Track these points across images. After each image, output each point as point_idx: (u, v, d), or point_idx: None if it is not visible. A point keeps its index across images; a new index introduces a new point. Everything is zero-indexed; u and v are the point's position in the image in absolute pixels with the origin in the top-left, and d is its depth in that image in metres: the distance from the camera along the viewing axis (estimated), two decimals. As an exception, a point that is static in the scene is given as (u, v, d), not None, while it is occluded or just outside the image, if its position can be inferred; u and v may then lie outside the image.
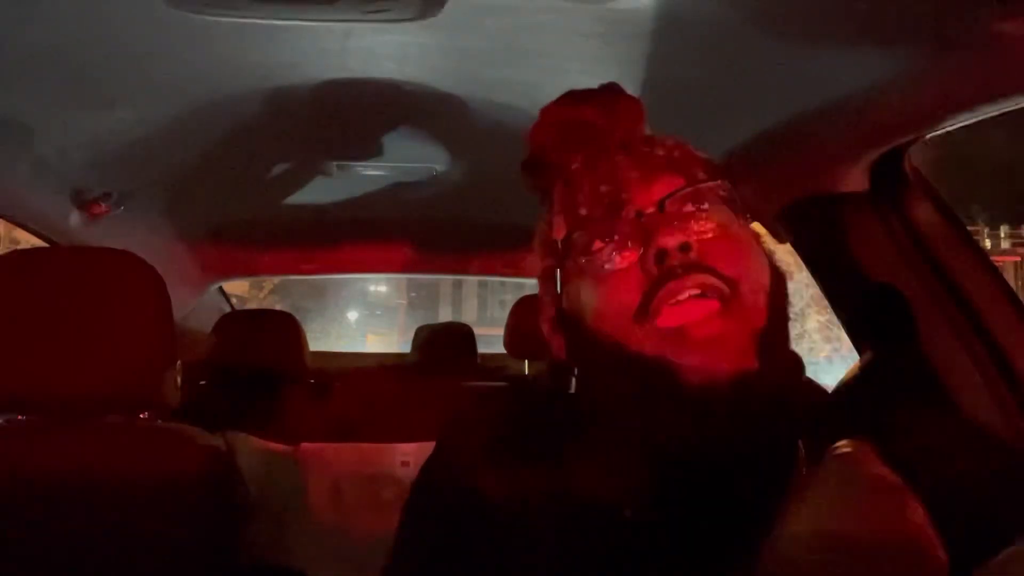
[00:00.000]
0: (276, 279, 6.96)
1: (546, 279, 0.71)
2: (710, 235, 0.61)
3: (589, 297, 0.64)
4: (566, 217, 0.67)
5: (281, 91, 1.27)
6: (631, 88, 0.76)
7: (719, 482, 0.58)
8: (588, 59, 1.11)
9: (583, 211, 0.66)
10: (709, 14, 0.93)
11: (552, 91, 0.75)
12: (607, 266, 0.63)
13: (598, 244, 0.64)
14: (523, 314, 2.51)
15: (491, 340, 3.30)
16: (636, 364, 0.60)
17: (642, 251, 0.61)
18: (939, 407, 1.02)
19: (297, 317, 2.58)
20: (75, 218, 1.74)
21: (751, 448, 0.58)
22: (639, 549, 0.58)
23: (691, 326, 0.58)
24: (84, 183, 1.68)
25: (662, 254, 0.60)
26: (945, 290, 1.11)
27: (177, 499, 1.06)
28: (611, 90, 0.75)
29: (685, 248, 0.60)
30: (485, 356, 3.09)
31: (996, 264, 1.19)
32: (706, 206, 0.63)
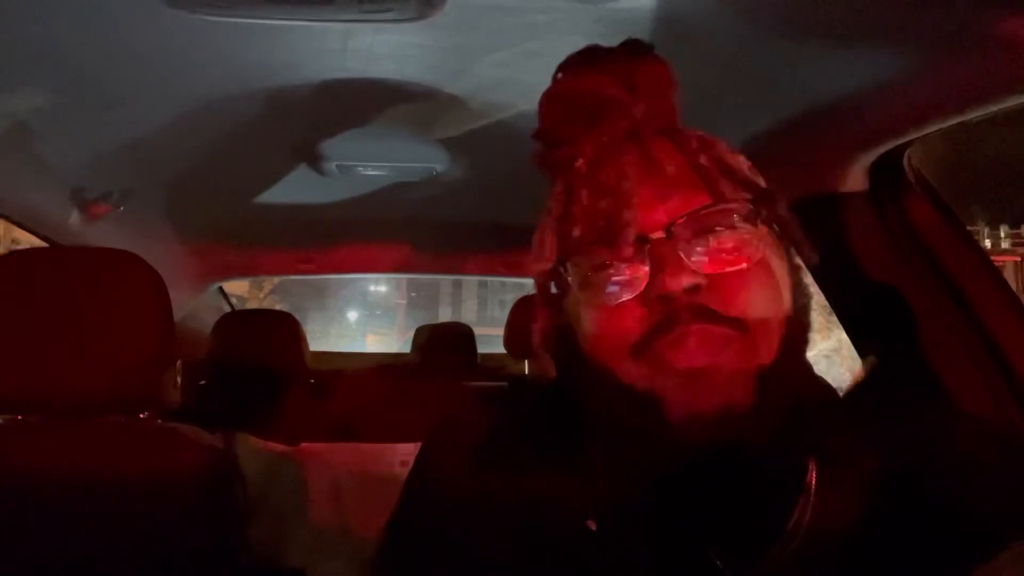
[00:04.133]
0: (276, 279, 6.96)
1: (541, 289, 0.64)
2: (721, 270, 0.56)
3: (585, 322, 0.60)
4: (559, 235, 0.61)
5: (281, 91, 1.26)
6: None
7: (699, 514, 0.56)
8: (588, 59, 1.10)
9: (577, 232, 0.59)
10: (709, 14, 0.93)
11: (552, 91, 0.75)
12: (604, 298, 0.58)
13: (594, 274, 0.58)
14: (523, 314, 2.51)
15: (491, 340, 3.30)
16: (627, 396, 0.57)
17: (645, 286, 0.56)
18: (939, 407, 1.01)
19: (297, 317, 2.58)
20: (75, 218, 1.74)
21: (737, 484, 0.55)
22: (600, 563, 0.57)
23: (690, 367, 0.54)
24: (84, 183, 1.68)
25: (667, 297, 0.55)
26: (945, 290, 1.11)
27: (177, 499, 1.06)
28: (634, 52, 0.65)
29: (692, 289, 0.55)
30: (485, 356, 3.09)
31: (996, 264, 1.19)
32: (722, 230, 0.57)
